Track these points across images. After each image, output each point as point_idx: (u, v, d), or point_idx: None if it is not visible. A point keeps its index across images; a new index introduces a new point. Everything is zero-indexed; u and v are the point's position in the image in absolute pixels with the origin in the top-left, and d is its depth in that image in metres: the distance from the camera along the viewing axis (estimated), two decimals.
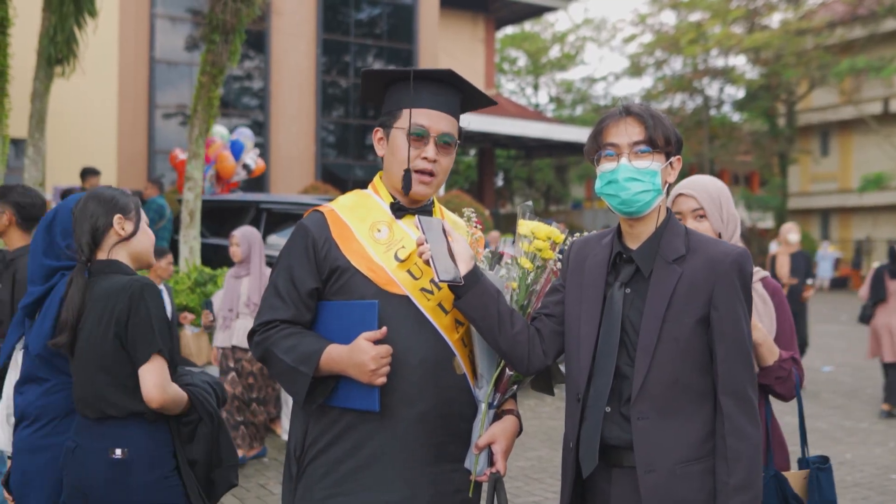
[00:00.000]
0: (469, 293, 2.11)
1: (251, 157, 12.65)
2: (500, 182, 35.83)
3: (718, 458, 2.06)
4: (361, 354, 2.06)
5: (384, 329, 2.09)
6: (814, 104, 34.48)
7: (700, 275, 2.09)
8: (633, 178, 2.09)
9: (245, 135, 12.79)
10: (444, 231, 2.14)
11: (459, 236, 2.17)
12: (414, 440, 2.16)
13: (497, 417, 2.26)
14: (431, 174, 2.27)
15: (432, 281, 2.20)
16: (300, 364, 2.12)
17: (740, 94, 33.17)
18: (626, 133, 2.11)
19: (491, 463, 2.21)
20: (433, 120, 2.26)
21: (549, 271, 2.31)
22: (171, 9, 19.19)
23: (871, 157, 31.97)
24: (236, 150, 12.40)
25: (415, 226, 2.20)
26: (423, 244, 2.09)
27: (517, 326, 2.17)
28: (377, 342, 2.09)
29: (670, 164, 2.15)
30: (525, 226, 2.30)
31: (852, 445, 7.21)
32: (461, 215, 2.51)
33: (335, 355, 2.11)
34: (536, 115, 29.47)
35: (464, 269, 2.11)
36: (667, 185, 2.16)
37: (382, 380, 2.07)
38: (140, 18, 18.46)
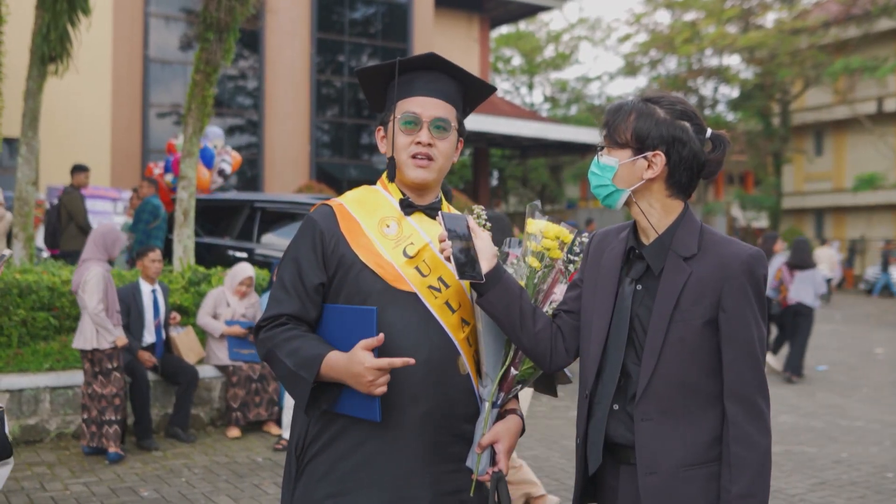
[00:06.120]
0: (491, 291, 2.09)
1: (225, 161, 11.87)
2: (494, 181, 35.81)
3: (723, 464, 2.02)
4: (358, 366, 2.01)
5: (381, 336, 2.04)
6: (808, 104, 34.51)
7: (709, 275, 2.04)
8: (592, 171, 2.16)
9: (216, 134, 11.94)
10: (468, 228, 2.12)
11: (483, 233, 2.15)
12: (416, 439, 2.13)
13: (500, 417, 2.24)
14: (428, 158, 2.24)
15: (440, 279, 2.18)
16: (301, 369, 2.08)
17: (735, 93, 33.18)
18: (602, 131, 2.18)
19: (493, 462, 2.18)
20: (425, 106, 2.25)
21: (556, 271, 2.29)
22: (165, 7, 19.13)
23: (865, 156, 32.02)
24: (206, 158, 11.47)
25: (438, 222, 2.17)
26: (444, 240, 2.07)
27: (539, 324, 2.15)
28: (379, 350, 2.04)
29: (645, 158, 2.07)
30: (534, 225, 2.28)
31: (848, 444, 7.20)
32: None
33: (334, 363, 2.06)
34: (531, 114, 29.43)
35: (486, 266, 2.09)
36: (642, 180, 2.09)
37: (382, 390, 2.02)
38: (134, 17, 18.42)
